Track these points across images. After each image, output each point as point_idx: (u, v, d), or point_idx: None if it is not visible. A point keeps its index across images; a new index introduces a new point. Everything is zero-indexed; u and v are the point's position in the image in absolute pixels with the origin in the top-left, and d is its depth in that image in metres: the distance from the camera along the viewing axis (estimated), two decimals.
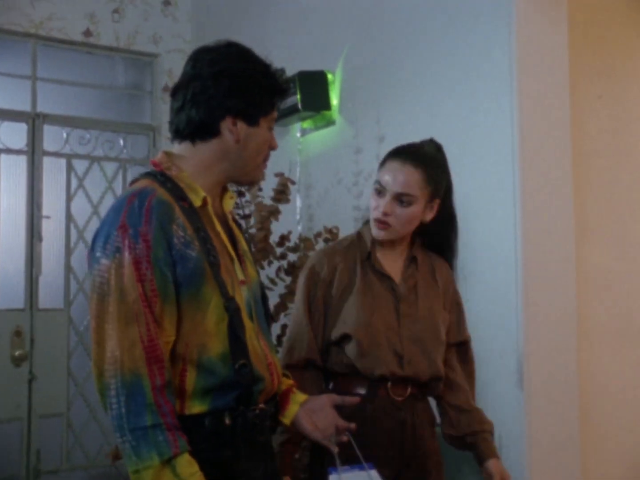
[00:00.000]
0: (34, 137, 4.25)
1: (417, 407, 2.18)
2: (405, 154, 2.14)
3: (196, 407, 1.61)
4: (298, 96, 3.49)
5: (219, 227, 1.71)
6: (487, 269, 2.77)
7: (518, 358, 2.68)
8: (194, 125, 1.70)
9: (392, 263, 2.23)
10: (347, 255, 2.25)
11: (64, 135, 4.37)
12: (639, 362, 3.28)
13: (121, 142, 4.56)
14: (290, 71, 3.55)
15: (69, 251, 4.32)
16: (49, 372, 4.14)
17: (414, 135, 2.30)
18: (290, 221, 3.59)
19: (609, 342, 3.17)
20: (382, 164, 2.17)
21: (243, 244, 1.84)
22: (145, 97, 4.74)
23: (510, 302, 2.69)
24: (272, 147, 1.79)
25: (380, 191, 2.13)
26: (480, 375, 2.70)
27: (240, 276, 1.73)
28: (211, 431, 1.61)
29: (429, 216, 2.18)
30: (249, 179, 1.81)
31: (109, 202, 4.46)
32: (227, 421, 1.63)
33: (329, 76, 3.55)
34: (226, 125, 1.69)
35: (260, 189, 3.20)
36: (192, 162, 1.71)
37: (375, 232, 2.16)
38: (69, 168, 4.36)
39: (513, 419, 2.66)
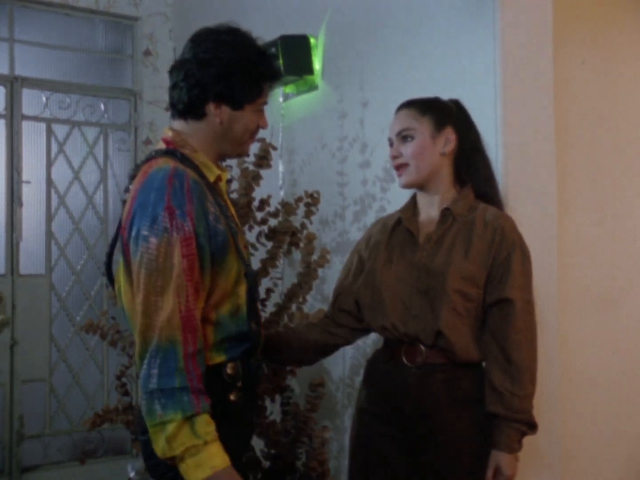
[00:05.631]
0: (12, 101, 4.19)
1: (433, 377, 2.11)
2: (399, 107, 2.26)
3: (216, 358, 1.83)
4: (280, 60, 3.45)
5: (228, 200, 1.95)
6: None
7: None
8: (183, 105, 1.87)
9: (430, 218, 2.23)
10: (387, 221, 2.34)
11: (44, 99, 4.32)
12: (618, 327, 3.32)
13: (102, 106, 4.51)
14: (272, 35, 3.52)
15: (49, 217, 4.29)
16: (31, 337, 4.14)
17: (398, 100, 2.29)
18: (273, 186, 3.58)
19: (589, 308, 3.20)
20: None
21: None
22: (126, 61, 4.67)
23: None
24: (261, 126, 1.98)
25: (390, 144, 2.23)
26: None
27: (244, 241, 1.97)
28: (231, 378, 1.85)
29: (448, 147, 2.20)
30: (236, 154, 2.03)
31: (90, 167, 4.44)
32: (240, 369, 1.87)
33: (312, 40, 3.52)
34: (210, 108, 1.85)
35: (247, 155, 3.18)
36: (195, 140, 1.88)
37: (399, 182, 2.24)
38: (49, 132, 4.32)
39: None
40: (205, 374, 1.76)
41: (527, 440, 2.11)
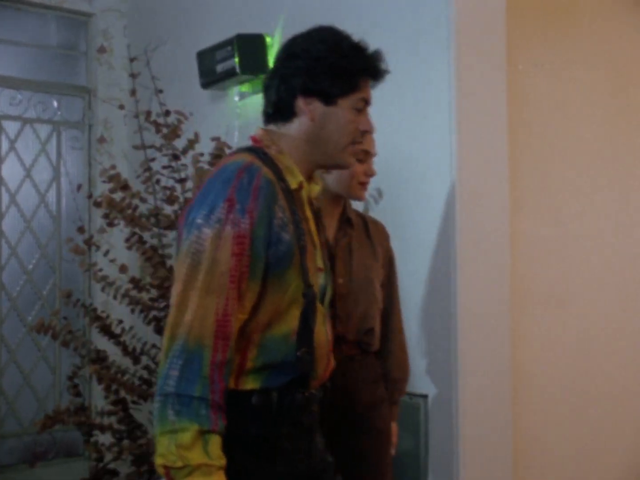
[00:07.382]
0: None
1: (352, 367, 2.28)
2: None
3: (249, 384, 1.63)
4: (236, 59, 3.45)
5: (308, 213, 1.75)
6: (423, 238, 2.79)
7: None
8: (272, 106, 1.75)
9: (328, 227, 2.30)
10: None
11: None
12: (572, 329, 3.36)
13: (55, 103, 4.45)
14: (228, 34, 3.51)
15: (0, 216, 4.22)
16: None
17: None
18: None
19: (541, 310, 3.24)
20: None
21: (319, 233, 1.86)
22: (80, 58, 4.61)
23: (444, 269, 2.72)
24: (362, 128, 1.78)
25: (362, 159, 2.29)
26: (412, 341, 2.74)
27: (320, 264, 1.76)
28: (257, 408, 1.63)
29: None
30: (335, 163, 1.80)
31: (42, 165, 4.37)
32: (274, 400, 1.65)
33: (268, 39, 3.52)
34: (300, 104, 1.71)
35: (201, 154, 3.15)
36: (284, 142, 1.73)
37: (362, 194, 2.34)
38: None
39: (444, 386, 2.70)
40: (232, 397, 1.59)
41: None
